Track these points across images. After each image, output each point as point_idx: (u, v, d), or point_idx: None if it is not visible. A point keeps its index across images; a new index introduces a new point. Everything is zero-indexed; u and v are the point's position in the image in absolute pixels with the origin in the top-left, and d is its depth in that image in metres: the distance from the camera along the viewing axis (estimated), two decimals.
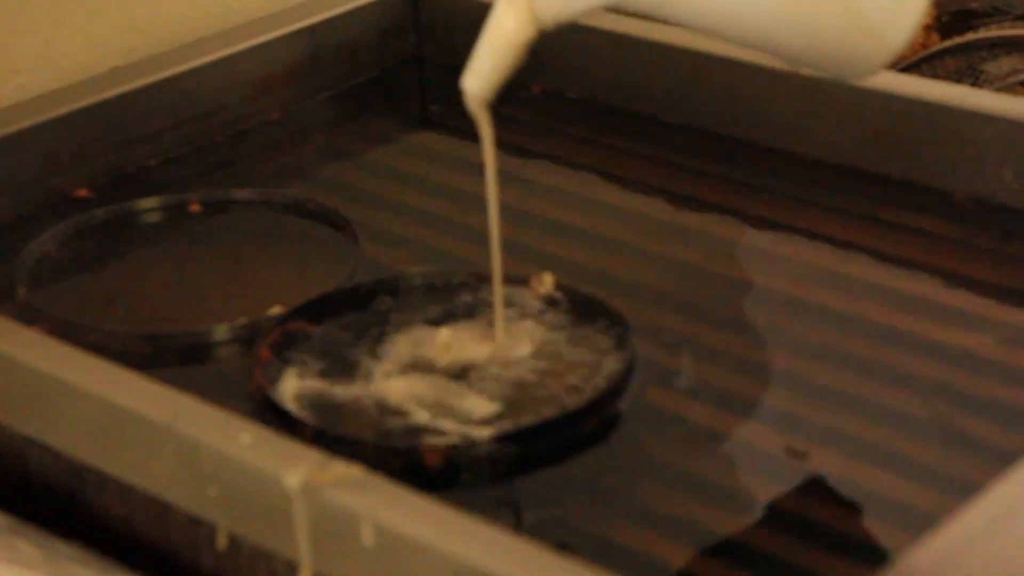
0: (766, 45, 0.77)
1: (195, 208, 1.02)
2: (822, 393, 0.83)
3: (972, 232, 0.97)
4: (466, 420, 0.79)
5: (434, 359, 0.84)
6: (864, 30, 0.74)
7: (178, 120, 1.08)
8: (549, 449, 0.78)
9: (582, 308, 0.88)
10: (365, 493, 0.66)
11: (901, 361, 0.85)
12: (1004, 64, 1.21)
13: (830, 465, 0.78)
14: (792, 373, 0.85)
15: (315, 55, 1.16)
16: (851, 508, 0.75)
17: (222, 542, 0.72)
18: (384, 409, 0.80)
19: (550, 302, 0.88)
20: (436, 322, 0.87)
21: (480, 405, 0.80)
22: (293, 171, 1.08)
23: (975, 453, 0.78)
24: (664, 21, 0.78)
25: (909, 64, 1.23)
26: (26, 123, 1.02)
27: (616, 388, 0.81)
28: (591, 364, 0.83)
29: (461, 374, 0.83)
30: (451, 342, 0.85)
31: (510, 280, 0.89)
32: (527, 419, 0.79)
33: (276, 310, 0.88)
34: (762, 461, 0.79)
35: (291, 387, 0.82)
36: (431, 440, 0.77)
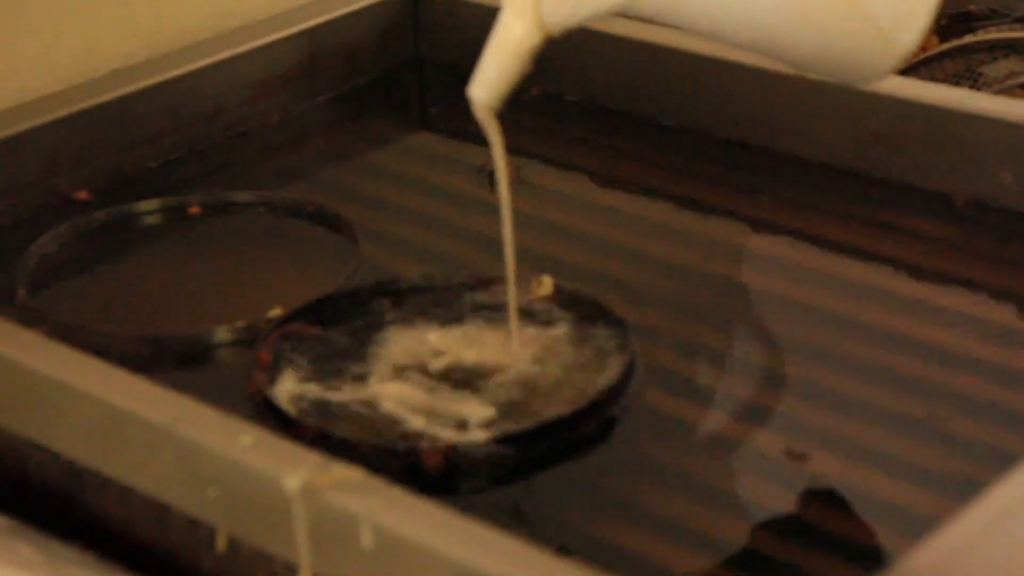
0: (776, 51, 0.77)
1: (195, 210, 1.02)
2: (821, 395, 0.83)
3: (971, 235, 0.97)
4: (461, 426, 0.79)
5: (432, 362, 0.84)
6: (873, 33, 0.74)
7: (178, 122, 1.08)
8: (548, 451, 0.78)
9: (581, 310, 0.88)
10: (365, 495, 0.67)
11: (900, 363, 0.85)
12: (1003, 67, 1.21)
13: (829, 467, 0.78)
14: (791, 375, 0.85)
15: (315, 57, 1.16)
16: (850, 510, 0.75)
17: (221, 544, 0.72)
18: (378, 415, 0.80)
19: (549, 305, 0.89)
20: (435, 324, 0.87)
21: (476, 409, 0.80)
22: (293, 173, 1.09)
23: (974, 455, 0.78)
24: (672, 27, 0.78)
25: (908, 67, 1.23)
26: (26, 125, 1.02)
27: (615, 390, 0.81)
28: (590, 367, 0.83)
29: (459, 377, 0.83)
30: (450, 344, 0.85)
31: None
32: (526, 422, 0.79)
33: (276, 312, 0.88)
34: (761, 463, 0.79)
35: (289, 389, 0.82)
36: (429, 443, 0.78)
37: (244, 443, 0.70)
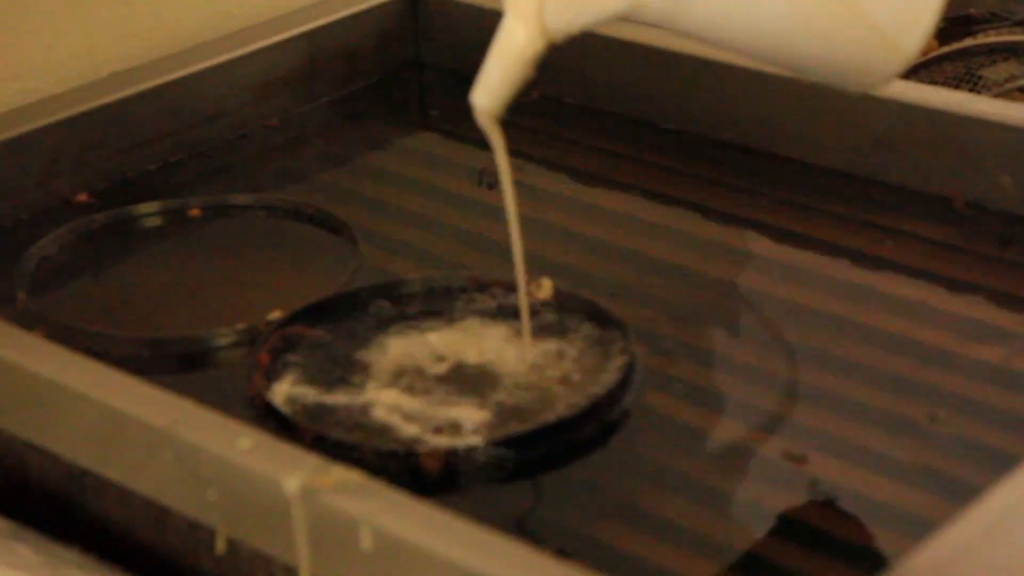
0: (779, 58, 0.77)
1: (195, 213, 1.02)
2: (821, 398, 0.83)
3: (970, 238, 0.97)
4: (455, 431, 0.78)
5: (431, 365, 0.84)
6: (877, 39, 0.74)
7: (178, 125, 1.08)
8: (548, 454, 0.78)
9: (580, 313, 0.88)
10: (364, 498, 0.67)
11: (900, 365, 0.85)
12: (1002, 70, 1.21)
13: (828, 470, 0.78)
14: (790, 378, 0.85)
15: (314, 60, 1.16)
16: (849, 512, 0.75)
17: (221, 546, 0.72)
18: (370, 422, 0.80)
19: (548, 307, 0.89)
20: (435, 327, 0.87)
21: (470, 414, 0.79)
22: (292, 176, 1.09)
23: (973, 457, 0.78)
24: (675, 33, 0.78)
25: (907, 70, 1.23)
26: (27, 128, 1.02)
27: (615, 393, 0.81)
28: (590, 369, 0.84)
29: (458, 380, 0.83)
30: (449, 347, 0.85)
31: (509, 286, 0.89)
32: (525, 425, 0.79)
33: (275, 314, 0.88)
34: (760, 466, 0.79)
35: (288, 392, 0.82)
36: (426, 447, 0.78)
37: (244, 445, 0.70)
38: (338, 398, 0.82)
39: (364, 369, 0.84)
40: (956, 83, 1.21)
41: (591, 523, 0.75)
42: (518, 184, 1.05)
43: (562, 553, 0.71)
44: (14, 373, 0.78)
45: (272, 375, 0.84)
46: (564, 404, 0.81)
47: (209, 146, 1.10)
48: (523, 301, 0.83)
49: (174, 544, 0.74)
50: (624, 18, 0.77)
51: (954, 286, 0.93)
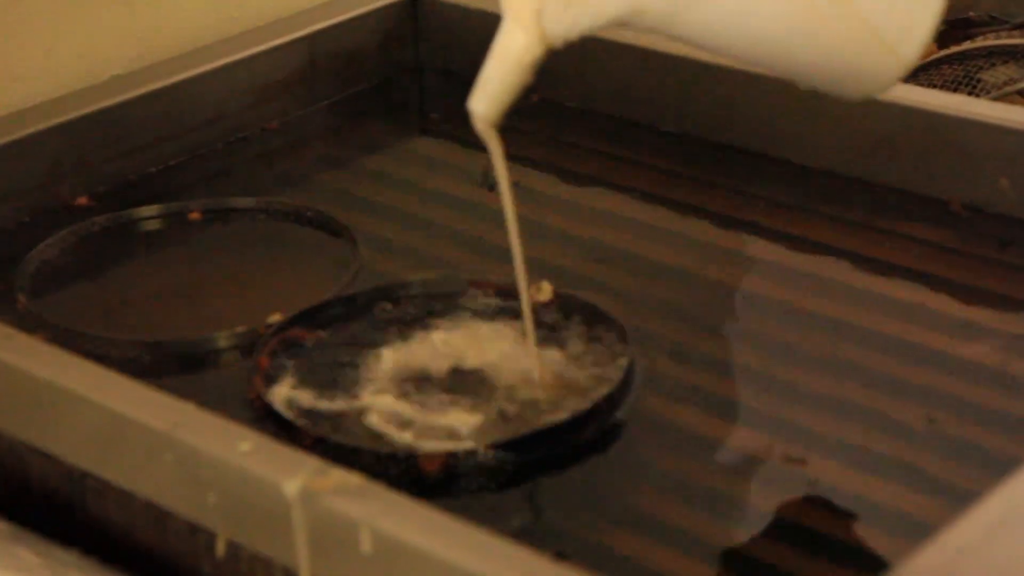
0: (779, 66, 0.77)
1: (195, 216, 1.02)
2: (819, 401, 0.83)
3: (969, 240, 0.97)
4: (448, 437, 0.78)
5: (430, 368, 0.84)
6: (877, 46, 0.74)
7: (178, 128, 1.08)
8: (547, 457, 0.78)
9: (580, 316, 0.88)
10: (364, 500, 0.67)
11: (898, 368, 0.85)
12: (1001, 73, 1.21)
13: (828, 473, 0.78)
14: (789, 380, 0.85)
15: (315, 63, 1.16)
16: (849, 516, 0.75)
17: (221, 549, 0.72)
18: (364, 427, 0.80)
19: (548, 310, 0.89)
20: (435, 330, 0.88)
21: (464, 419, 0.79)
22: (293, 178, 1.09)
23: (973, 461, 0.78)
24: (674, 39, 0.78)
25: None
26: (27, 131, 1.02)
27: (614, 396, 0.81)
28: (589, 373, 0.84)
29: (457, 383, 0.83)
30: (449, 350, 0.86)
31: (509, 289, 0.89)
32: (524, 428, 0.79)
33: (275, 317, 0.88)
34: (760, 469, 0.79)
35: (288, 395, 0.82)
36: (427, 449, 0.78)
37: (244, 448, 0.70)
38: (334, 404, 0.82)
39: (362, 373, 0.84)
40: (955, 86, 1.21)
41: (590, 526, 0.75)
42: (518, 186, 1.06)
43: (561, 556, 0.71)
44: (15, 375, 0.78)
45: (272, 378, 0.84)
46: (563, 407, 0.81)
47: (209, 149, 1.10)
48: (526, 308, 0.83)
49: (174, 546, 0.74)
50: (622, 24, 0.77)
51: (952, 288, 0.93)
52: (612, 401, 0.81)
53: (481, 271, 0.93)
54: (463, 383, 0.83)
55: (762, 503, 0.77)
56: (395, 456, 0.77)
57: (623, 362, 0.83)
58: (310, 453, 0.71)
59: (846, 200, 1.02)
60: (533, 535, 0.74)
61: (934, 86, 1.22)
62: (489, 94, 0.78)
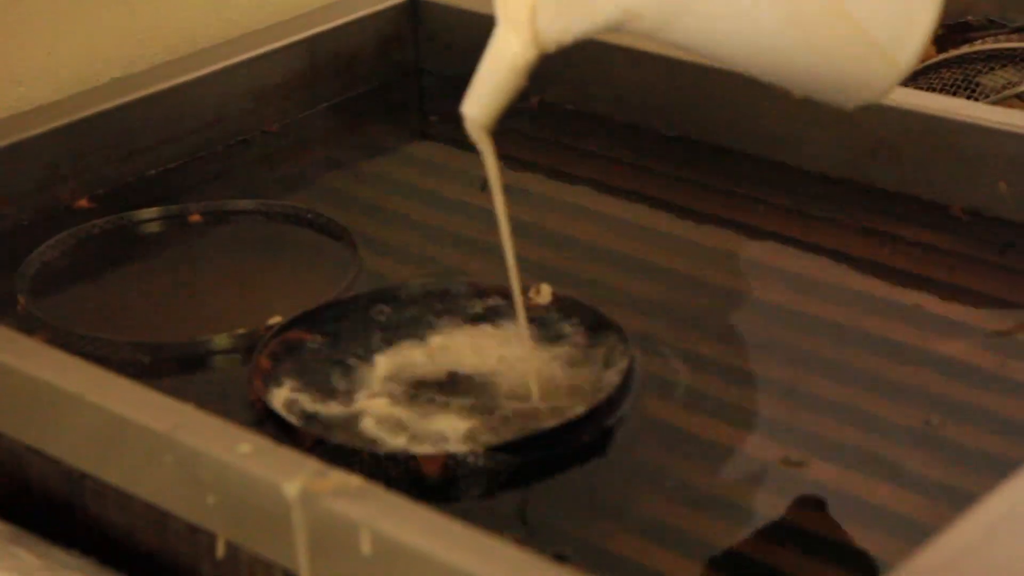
0: (774, 72, 0.77)
1: (195, 218, 1.02)
2: (819, 403, 0.83)
3: (968, 244, 0.97)
4: (440, 443, 0.78)
5: (429, 371, 0.84)
6: (873, 52, 0.73)
7: (178, 130, 1.09)
8: (546, 459, 0.79)
9: (580, 318, 0.88)
10: (363, 502, 0.67)
11: (898, 372, 0.85)
12: (1000, 77, 1.21)
13: (827, 475, 0.78)
14: (789, 383, 0.85)
15: (315, 66, 1.16)
16: (847, 517, 0.75)
17: (221, 550, 0.72)
18: (357, 431, 0.80)
19: (548, 313, 0.89)
20: (434, 333, 0.88)
21: (455, 426, 0.79)
22: (292, 181, 1.09)
23: (972, 463, 0.78)
24: (668, 45, 0.78)
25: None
26: (27, 134, 1.02)
27: (614, 398, 0.81)
28: (589, 374, 0.84)
29: (456, 386, 0.83)
30: (449, 353, 0.86)
31: (508, 291, 0.89)
32: (523, 430, 0.79)
33: (275, 320, 0.89)
34: (759, 471, 0.79)
35: (288, 397, 0.82)
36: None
37: (243, 450, 0.70)
38: (331, 407, 0.82)
39: (359, 376, 0.84)
40: (954, 90, 1.21)
41: (589, 528, 0.75)
42: (518, 189, 1.06)
43: (560, 557, 0.71)
44: (15, 377, 0.78)
45: (272, 380, 0.84)
46: (562, 409, 0.81)
47: (209, 151, 1.10)
48: (520, 312, 0.83)
49: (174, 548, 0.75)
50: (616, 29, 0.77)
51: (952, 292, 0.93)
52: (612, 404, 0.81)
53: (481, 274, 0.93)
54: (461, 387, 0.83)
55: (762, 505, 0.77)
56: (395, 458, 0.77)
57: (623, 365, 0.83)
58: (310, 455, 0.71)
59: (845, 204, 1.02)
60: (532, 537, 0.74)
61: (933, 90, 1.22)
62: (482, 98, 0.78)
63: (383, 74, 1.20)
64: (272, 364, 0.85)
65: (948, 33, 1.31)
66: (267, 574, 0.71)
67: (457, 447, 0.78)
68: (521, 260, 0.95)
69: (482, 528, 0.65)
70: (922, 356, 0.87)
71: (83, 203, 1.04)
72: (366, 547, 0.65)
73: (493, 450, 0.77)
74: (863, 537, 0.74)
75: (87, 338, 0.88)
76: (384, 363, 0.85)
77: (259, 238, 1.01)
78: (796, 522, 0.75)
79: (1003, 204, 0.98)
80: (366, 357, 0.86)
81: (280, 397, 0.82)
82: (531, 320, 0.88)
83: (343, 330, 0.88)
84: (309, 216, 1.01)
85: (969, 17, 1.33)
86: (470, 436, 0.79)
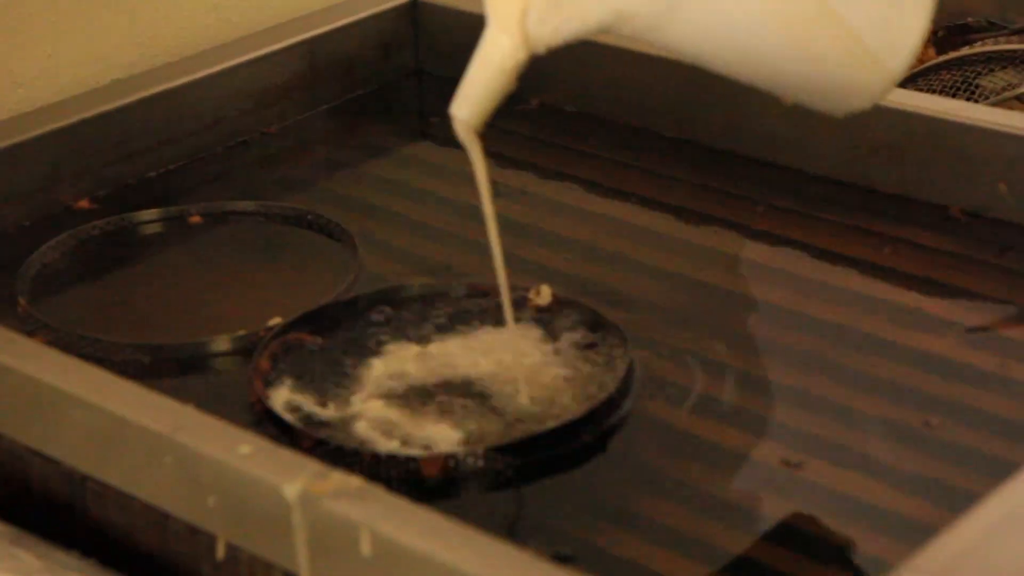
0: (764, 77, 0.76)
1: (195, 219, 1.02)
2: (818, 404, 0.83)
3: (967, 245, 0.97)
4: (429, 449, 0.78)
5: (429, 373, 0.84)
6: (864, 58, 0.73)
7: (179, 132, 1.09)
8: (547, 460, 0.79)
9: (579, 320, 0.88)
10: (363, 503, 0.67)
11: (897, 372, 0.85)
12: (999, 78, 1.22)
13: (826, 476, 0.78)
14: (788, 384, 0.86)
15: (314, 67, 1.16)
16: (846, 518, 0.75)
17: (221, 552, 0.72)
18: (350, 435, 0.80)
19: (547, 314, 0.89)
20: (433, 334, 0.88)
21: (445, 433, 0.79)
22: (293, 183, 1.09)
23: (971, 464, 0.78)
24: (658, 48, 0.77)
25: (905, 78, 1.23)
26: (28, 135, 1.02)
27: (613, 399, 0.81)
28: (588, 375, 0.84)
29: (455, 388, 0.83)
30: (449, 354, 0.86)
31: (508, 292, 0.89)
32: (523, 432, 0.79)
33: (275, 321, 0.89)
34: (758, 472, 0.79)
35: (288, 398, 0.82)
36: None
37: (243, 451, 0.70)
38: (328, 408, 0.82)
39: (357, 378, 0.84)
40: (954, 91, 1.22)
41: (589, 528, 0.75)
42: (517, 190, 1.06)
43: (560, 558, 0.71)
44: (15, 378, 0.78)
45: (272, 381, 0.84)
46: (562, 410, 0.81)
47: (209, 153, 1.11)
48: (508, 315, 0.82)
49: (174, 549, 0.75)
50: (607, 31, 0.76)
51: (951, 293, 0.93)
52: (611, 404, 0.81)
53: (481, 275, 0.93)
54: (458, 391, 0.83)
55: (761, 506, 0.77)
56: (395, 459, 0.77)
57: (623, 365, 0.83)
58: (310, 456, 0.71)
59: (845, 205, 1.02)
60: (532, 538, 0.74)
61: (933, 92, 1.22)
62: (471, 99, 0.78)
63: (383, 76, 1.20)
64: (272, 365, 0.85)
65: (948, 35, 1.31)
66: (267, 575, 0.71)
67: (451, 450, 0.78)
68: (521, 261, 0.96)
69: (482, 529, 0.66)
70: (921, 357, 0.87)
71: (83, 204, 1.04)
72: (366, 548, 0.65)
73: (493, 451, 0.77)
74: (862, 538, 0.74)
75: (87, 339, 0.88)
76: (382, 365, 0.85)
77: (259, 239, 1.01)
78: (795, 523, 0.76)
79: (1003, 205, 0.98)
80: (365, 359, 0.86)
81: (280, 398, 0.82)
82: (531, 321, 0.88)
83: (343, 331, 0.88)
84: (309, 217, 1.01)
85: (969, 19, 1.33)
86: (464, 442, 0.79)
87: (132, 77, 1.10)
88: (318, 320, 0.88)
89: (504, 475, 0.77)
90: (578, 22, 0.75)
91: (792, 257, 0.98)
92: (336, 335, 0.88)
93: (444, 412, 0.81)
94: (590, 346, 0.86)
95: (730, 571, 0.73)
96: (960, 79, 1.22)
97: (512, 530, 0.75)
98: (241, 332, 0.88)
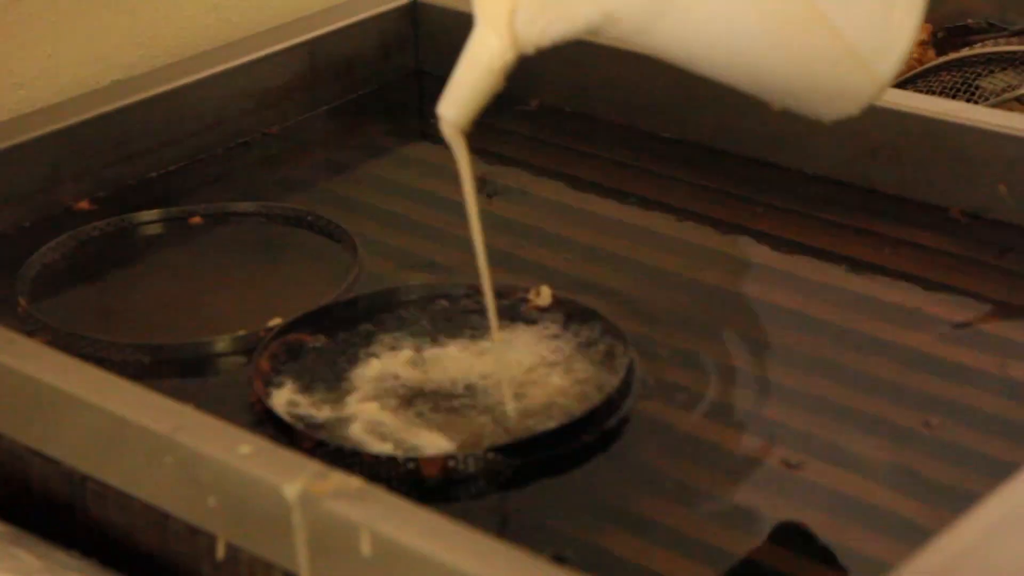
0: (753, 81, 0.76)
1: (196, 220, 1.02)
2: (817, 405, 0.83)
3: (967, 247, 0.97)
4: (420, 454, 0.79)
5: (429, 373, 0.84)
6: (853, 63, 0.73)
7: (179, 133, 1.09)
8: (547, 460, 0.79)
9: (580, 320, 0.88)
10: (363, 503, 0.67)
11: (896, 373, 0.86)
12: (999, 80, 1.21)
13: (826, 476, 0.78)
14: (788, 385, 0.86)
15: (315, 68, 1.16)
16: (846, 519, 0.75)
17: (221, 552, 0.72)
18: (344, 438, 0.80)
19: (547, 314, 0.89)
20: (433, 335, 0.88)
21: (438, 438, 0.79)
22: (293, 184, 1.09)
23: (971, 465, 0.78)
24: (645, 52, 0.77)
25: (905, 79, 1.23)
26: (29, 135, 1.02)
27: (614, 400, 0.82)
28: (589, 376, 0.84)
29: (455, 389, 0.83)
30: (449, 355, 0.86)
31: (509, 293, 0.89)
32: (522, 432, 0.79)
33: (275, 322, 0.89)
34: (758, 472, 0.79)
35: (288, 399, 0.82)
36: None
37: (244, 451, 0.70)
38: (322, 411, 0.82)
39: (356, 379, 0.84)
40: (953, 93, 1.21)
41: (589, 529, 0.75)
42: (517, 191, 1.06)
43: (560, 559, 0.71)
44: (15, 379, 0.78)
45: (272, 382, 0.84)
46: (562, 411, 0.81)
47: (210, 154, 1.11)
48: (492, 315, 0.82)
49: (174, 549, 0.75)
50: (595, 32, 0.76)
51: (951, 294, 0.93)
52: (611, 404, 0.81)
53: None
54: (458, 390, 0.83)
55: (761, 506, 0.77)
56: (395, 459, 0.77)
57: (623, 365, 0.83)
58: (310, 456, 0.71)
59: (845, 206, 1.02)
60: (532, 538, 0.74)
61: (933, 93, 1.22)
62: (458, 99, 0.77)
63: (383, 76, 1.20)
64: (272, 366, 0.85)
65: (948, 36, 1.31)
66: (267, 575, 0.71)
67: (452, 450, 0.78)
68: (521, 261, 0.96)
69: (482, 529, 0.66)
70: (921, 358, 0.87)
71: (84, 205, 1.04)
72: (366, 548, 0.65)
73: (493, 451, 0.77)
74: (862, 538, 0.74)
75: (88, 340, 0.88)
76: (380, 366, 0.85)
77: (259, 240, 1.01)
78: (795, 523, 0.76)
79: (1002, 206, 0.98)
80: (364, 359, 0.86)
81: (280, 399, 0.82)
82: (531, 321, 0.88)
83: (344, 332, 0.88)
84: (309, 218, 1.01)
85: (969, 20, 1.33)
86: (462, 445, 0.79)
87: (132, 78, 1.10)
88: (318, 320, 0.88)
89: (504, 476, 0.78)
90: (566, 23, 0.75)
91: (792, 257, 0.98)
92: (337, 336, 0.88)
93: (441, 413, 0.81)
94: (590, 346, 0.86)
95: (730, 571, 0.73)
96: (960, 80, 1.22)
97: (512, 530, 0.75)
98: (241, 332, 0.88)
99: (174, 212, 1.02)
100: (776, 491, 0.78)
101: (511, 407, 0.81)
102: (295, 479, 0.68)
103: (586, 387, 0.83)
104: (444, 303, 0.90)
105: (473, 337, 0.87)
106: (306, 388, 0.83)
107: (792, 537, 0.75)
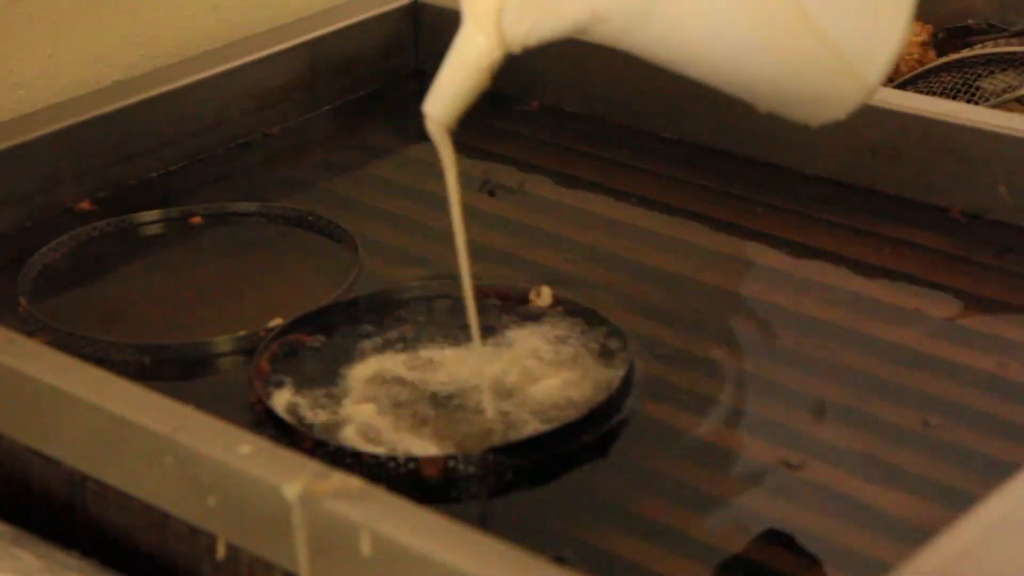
0: (740, 84, 0.76)
1: (196, 220, 1.02)
2: (817, 405, 0.83)
3: (967, 247, 0.97)
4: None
5: (429, 374, 0.84)
6: (841, 67, 0.73)
7: (179, 133, 1.09)
8: (547, 461, 0.79)
9: (580, 320, 0.88)
10: (363, 503, 0.67)
11: (896, 373, 0.86)
12: (1000, 81, 1.22)
13: (825, 477, 0.78)
14: (788, 385, 0.86)
15: (316, 69, 1.16)
16: (846, 520, 0.75)
17: (221, 552, 0.72)
18: (340, 438, 0.80)
19: (548, 314, 0.89)
20: (432, 335, 0.88)
21: (427, 447, 0.79)
22: (294, 184, 1.09)
23: (971, 465, 0.78)
24: (633, 54, 0.77)
25: (906, 80, 1.24)
26: (29, 136, 1.02)
27: (614, 400, 0.82)
28: (589, 376, 0.84)
29: (455, 389, 0.83)
30: (449, 355, 0.86)
31: (509, 293, 0.90)
32: (522, 433, 0.79)
33: (276, 322, 0.89)
34: (758, 473, 0.79)
35: (288, 399, 0.82)
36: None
37: (244, 452, 0.70)
38: (319, 412, 0.82)
39: (354, 380, 0.84)
40: (954, 93, 1.22)
41: (589, 529, 0.75)
42: (517, 191, 1.06)
43: (560, 559, 0.71)
44: (16, 379, 0.78)
45: (272, 382, 0.84)
46: (562, 411, 0.81)
47: (210, 154, 1.11)
48: (473, 317, 0.82)
49: (175, 549, 0.75)
50: (583, 32, 0.76)
51: (951, 294, 0.93)
52: (612, 405, 0.81)
53: (481, 276, 0.93)
54: (457, 391, 0.83)
55: (761, 507, 0.77)
56: (395, 459, 0.77)
57: (623, 366, 0.83)
58: (310, 456, 0.71)
59: (846, 206, 1.02)
60: (532, 538, 0.74)
61: (933, 93, 1.22)
62: (445, 97, 0.77)
63: (384, 77, 1.20)
64: (272, 366, 0.85)
65: (948, 37, 1.31)
66: (267, 575, 0.71)
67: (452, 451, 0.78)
68: (521, 262, 0.96)
69: (482, 529, 0.66)
70: (921, 358, 0.87)
71: (84, 205, 1.04)
72: (366, 548, 0.65)
73: (493, 452, 0.77)
74: (862, 539, 0.74)
75: (88, 340, 0.88)
76: (379, 367, 0.85)
77: (260, 240, 1.01)
78: (795, 524, 0.76)
79: (1003, 207, 0.98)
80: (364, 360, 0.86)
81: (280, 399, 0.82)
82: (530, 322, 0.88)
83: (343, 333, 0.88)
84: (310, 218, 1.01)
85: (969, 21, 1.33)
86: (460, 445, 0.79)
87: (133, 78, 1.10)
88: (319, 321, 0.88)
89: (504, 476, 0.78)
90: (553, 22, 0.75)
91: (792, 258, 0.98)
92: (337, 336, 0.88)
93: (440, 414, 0.81)
94: (590, 346, 0.86)
95: (730, 571, 0.73)
96: (960, 81, 1.22)
97: (512, 530, 0.75)
98: (241, 333, 0.88)
99: (174, 212, 1.02)
100: (776, 491, 0.78)
101: (511, 407, 0.81)
102: (295, 479, 0.68)
103: (586, 387, 0.83)
104: (444, 303, 0.90)
105: (472, 338, 0.87)
106: (306, 388, 0.83)
107: (792, 537, 0.75)
